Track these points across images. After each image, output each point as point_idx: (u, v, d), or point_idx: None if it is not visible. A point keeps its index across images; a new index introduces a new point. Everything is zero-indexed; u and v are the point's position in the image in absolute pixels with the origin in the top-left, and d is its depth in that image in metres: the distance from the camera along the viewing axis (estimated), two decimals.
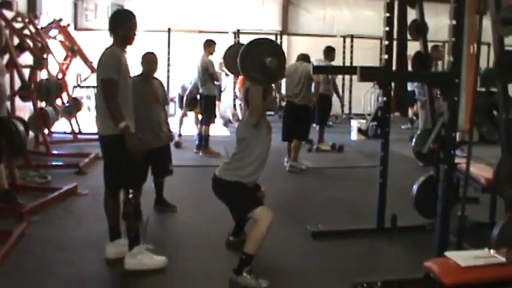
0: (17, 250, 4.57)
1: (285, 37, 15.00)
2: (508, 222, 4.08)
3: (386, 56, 4.89)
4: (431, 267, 3.24)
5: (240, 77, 10.88)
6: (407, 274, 4.03)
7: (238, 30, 13.17)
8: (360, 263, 4.60)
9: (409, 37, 4.98)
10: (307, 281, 4.20)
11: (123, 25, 4.32)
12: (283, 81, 9.02)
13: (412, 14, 4.99)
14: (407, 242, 5.00)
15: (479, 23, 3.83)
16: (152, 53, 5.65)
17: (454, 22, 3.84)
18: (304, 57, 8.59)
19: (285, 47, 14.79)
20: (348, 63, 14.74)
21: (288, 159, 8.39)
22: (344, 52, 14.89)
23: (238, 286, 3.95)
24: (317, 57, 10.02)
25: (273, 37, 13.72)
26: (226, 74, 12.29)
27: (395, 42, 4.92)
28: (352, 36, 14.98)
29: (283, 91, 9.06)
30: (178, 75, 12.23)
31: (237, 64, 3.91)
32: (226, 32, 13.12)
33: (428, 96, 5.04)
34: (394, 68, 4.86)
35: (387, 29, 4.87)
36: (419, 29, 4.97)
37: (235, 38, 12.97)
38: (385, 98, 4.95)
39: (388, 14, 4.87)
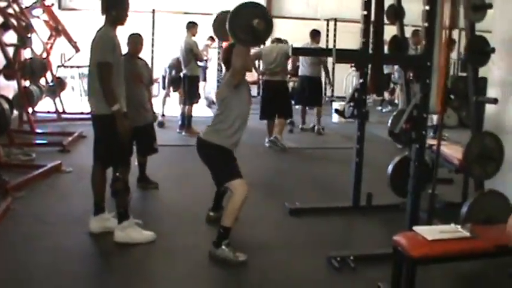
0: (2, 224, 4.69)
1: None
2: (476, 200, 4.27)
3: (363, 39, 5.03)
4: (399, 241, 3.40)
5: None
6: (379, 249, 4.22)
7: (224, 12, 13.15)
8: (335, 238, 4.78)
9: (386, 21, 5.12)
10: (283, 254, 4.36)
11: (116, 6, 4.36)
12: (260, 62, 9.23)
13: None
14: (382, 219, 5.17)
15: (453, 9, 3.97)
16: (138, 34, 5.75)
17: (427, 7, 3.99)
18: (279, 40, 9.17)
19: None
20: (331, 46, 14.84)
21: (268, 139, 8.60)
22: (327, 35, 14.95)
23: (217, 258, 4.12)
24: (302, 40, 10.13)
25: None
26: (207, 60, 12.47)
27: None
28: (335, 20, 15.03)
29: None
30: (163, 56, 12.27)
31: (226, 28, 3.99)
32: (211, 14, 13.11)
33: (404, 79, 5.19)
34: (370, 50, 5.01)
35: (365, 12, 4.99)
36: (396, 14, 5.10)
37: None
38: (361, 80, 5.10)
39: None
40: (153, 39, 14.22)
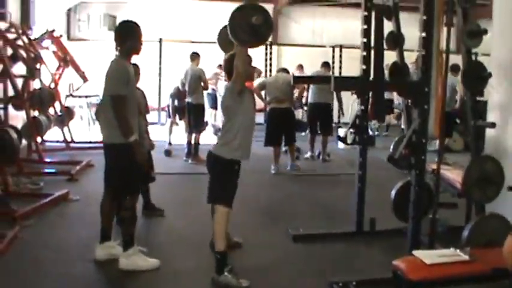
0: (10, 252, 4.77)
1: (275, 47, 15.20)
2: (476, 223, 4.30)
3: (364, 66, 5.11)
4: (398, 265, 3.44)
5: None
6: (382, 274, 4.23)
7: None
8: (337, 264, 4.80)
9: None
10: (286, 280, 4.40)
11: (130, 36, 4.45)
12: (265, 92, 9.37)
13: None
14: (385, 244, 5.18)
15: (448, 35, 4.05)
16: (135, 64, 5.85)
17: (423, 34, 4.07)
18: (283, 70, 9.26)
19: (275, 57, 15.03)
20: (337, 73, 14.97)
21: (274, 166, 8.71)
22: (333, 62, 15.12)
23: (220, 284, 4.15)
24: (309, 67, 10.35)
25: (263, 47, 14.00)
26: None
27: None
28: (341, 46, 15.20)
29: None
30: (169, 85, 12.43)
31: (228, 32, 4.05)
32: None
33: (404, 105, 5.26)
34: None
35: (364, 40, 5.10)
36: (396, 40, 5.18)
37: None
38: (362, 107, 5.17)
39: (365, 26, 5.10)
40: (160, 67, 14.51)
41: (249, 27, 4.02)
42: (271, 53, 14.18)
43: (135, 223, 4.62)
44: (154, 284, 4.34)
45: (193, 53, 9.60)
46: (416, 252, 3.56)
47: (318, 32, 16.06)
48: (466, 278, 3.36)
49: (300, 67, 13.67)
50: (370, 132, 11.55)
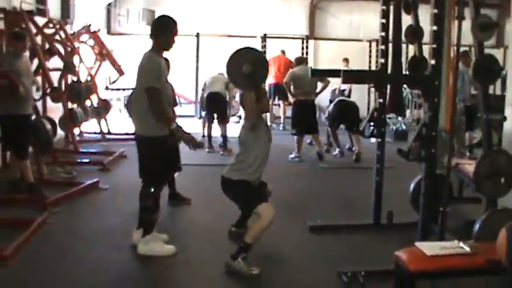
0: (38, 236, 5.02)
1: (311, 41, 15.20)
2: (487, 217, 4.29)
3: (382, 60, 5.15)
4: (400, 255, 3.48)
5: None
6: (391, 266, 4.26)
7: (265, 35, 13.49)
8: (350, 255, 4.87)
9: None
10: (297, 269, 4.50)
11: (165, 31, 4.57)
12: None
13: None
14: (400, 237, 5.17)
15: (459, 28, 4.05)
16: (166, 58, 6.02)
17: (434, 27, 4.09)
18: (303, 60, 9.94)
19: (311, 51, 15.03)
20: (373, 67, 14.87)
21: (296, 153, 9.15)
22: (370, 56, 15.03)
23: (232, 269, 4.30)
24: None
25: (299, 41, 14.05)
26: None
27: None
28: (377, 41, 15.06)
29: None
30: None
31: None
32: (254, 37, 13.42)
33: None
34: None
35: (383, 34, 5.12)
36: (415, 34, 5.19)
37: (262, 42, 13.27)
38: (380, 100, 5.20)
39: (383, 20, 5.12)
40: (197, 62, 14.69)
41: (242, 73, 4.20)
42: (307, 47, 14.19)
43: (156, 212, 4.78)
44: (169, 269, 4.52)
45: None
46: (418, 244, 3.59)
47: (355, 26, 15.97)
48: (466, 270, 3.38)
49: (346, 60, 13.74)
50: (404, 127, 11.50)
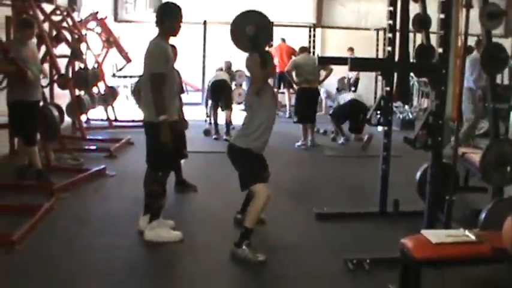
0: (45, 222, 5.06)
1: (318, 30, 15.14)
2: (493, 206, 4.29)
3: (389, 48, 5.12)
4: (405, 243, 3.49)
5: None
6: (396, 252, 4.28)
7: (273, 23, 13.43)
8: (357, 242, 4.88)
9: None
10: (302, 256, 4.52)
11: (170, 17, 4.57)
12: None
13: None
14: (407, 225, 5.15)
15: (467, 17, 4.03)
16: (173, 45, 6.02)
17: (442, 16, 4.07)
18: (305, 49, 9.96)
19: (319, 40, 14.99)
20: (381, 56, 14.79)
21: (302, 141, 9.23)
22: (377, 45, 14.96)
23: (238, 257, 4.32)
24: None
25: (307, 30, 14.00)
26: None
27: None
28: (385, 30, 14.95)
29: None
30: (214, 66, 12.61)
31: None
32: None
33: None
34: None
35: (390, 22, 5.10)
36: (422, 22, 5.17)
37: None
38: (387, 88, 5.19)
39: (391, 8, 5.09)
40: (204, 49, 14.67)
41: (246, 36, 4.19)
42: (314, 36, 14.13)
43: (163, 198, 4.81)
44: (175, 255, 4.54)
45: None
46: (424, 232, 3.60)
47: (362, 14, 15.89)
48: (472, 258, 3.38)
49: (351, 49, 13.70)
50: (410, 116, 11.47)
